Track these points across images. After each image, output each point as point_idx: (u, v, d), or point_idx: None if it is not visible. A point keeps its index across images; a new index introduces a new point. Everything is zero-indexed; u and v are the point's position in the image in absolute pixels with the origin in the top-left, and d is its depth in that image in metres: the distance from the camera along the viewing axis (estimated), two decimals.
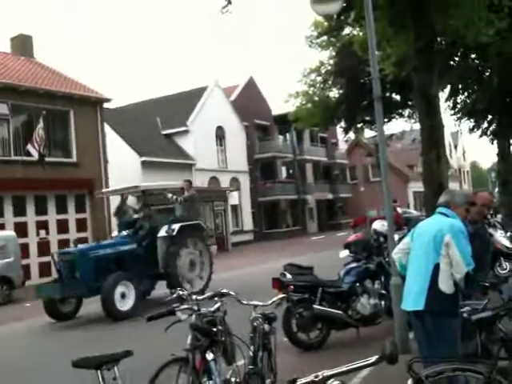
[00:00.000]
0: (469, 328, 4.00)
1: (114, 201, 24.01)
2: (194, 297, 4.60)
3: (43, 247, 21.08)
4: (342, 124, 29.21)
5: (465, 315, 3.72)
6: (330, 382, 2.33)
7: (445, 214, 4.29)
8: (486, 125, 20.77)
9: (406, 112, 26.38)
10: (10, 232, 17.74)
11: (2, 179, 19.40)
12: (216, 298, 4.65)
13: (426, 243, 4.15)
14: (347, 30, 22.31)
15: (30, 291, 17.09)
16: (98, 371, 3.31)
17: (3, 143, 20.30)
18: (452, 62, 15.47)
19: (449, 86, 17.30)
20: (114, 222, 23.85)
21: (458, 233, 4.05)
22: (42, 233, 21.20)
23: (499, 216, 19.90)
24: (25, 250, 19.11)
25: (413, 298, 4.13)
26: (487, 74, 16.22)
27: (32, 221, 20.91)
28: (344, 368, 2.41)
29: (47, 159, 20.85)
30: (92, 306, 11.95)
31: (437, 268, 4.03)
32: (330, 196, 48.31)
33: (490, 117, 20.00)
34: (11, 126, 20.54)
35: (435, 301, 3.99)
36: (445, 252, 4.02)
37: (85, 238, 22.75)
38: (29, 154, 19.71)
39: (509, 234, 12.01)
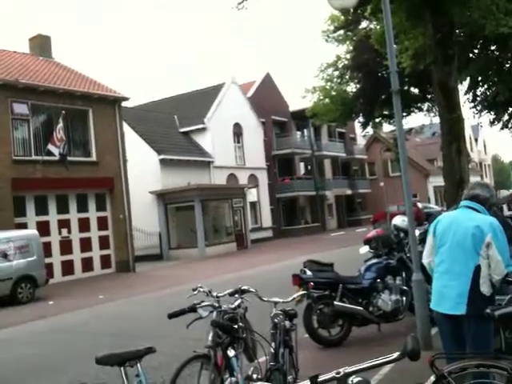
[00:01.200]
0: (492, 324, 3.94)
1: (134, 198, 24.30)
2: (214, 294, 4.62)
3: (65, 246, 21.36)
4: (360, 119, 29.03)
5: (488, 311, 3.65)
6: (351, 378, 2.32)
7: (475, 209, 4.07)
8: (506, 117, 20.46)
9: (425, 105, 26.11)
10: (32, 231, 17.97)
11: (24, 179, 19.67)
12: (236, 295, 4.67)
13: (462, 241, 3.94)
14: (364, 24, 22.17)
15: (53, 290, 17.39)
16: (122, 368, 3.34)
17: (24, 143, 20.56)
18: (471, 54, 15.28)
19: (468, 79, 17.08)
20: (135, 219, 24.25)
21: (497, 232, 3.87)
22: (64, 231, 21.46)
23: None
24: (47, 248, 19.34)
25: (452, 301, 3.93)
26: (507, 65, 15.96)
27: (54, 220, 21.18)
28: (365, 364, 2.39)
29: (68, 158, 21.07)
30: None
31: (478, 270, 3.86)
32: (349, 192, 48.06)
33: (510, 109, 19.70)
34: (31, 125, 20.79)
35: (477, 304, 3.83)
36: (484, 253, 3.85)
37: (106, 236, 23.02)
38: (49, 153, 19.96)
39: None
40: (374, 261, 7.75)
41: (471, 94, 18.34)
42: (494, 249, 3.81)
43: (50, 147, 19.81)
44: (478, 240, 3.85)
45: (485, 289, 3.84)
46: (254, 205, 35.84)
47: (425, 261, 4.38)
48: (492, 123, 20.61)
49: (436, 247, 4.18)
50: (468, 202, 4.13)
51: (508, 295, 4.26)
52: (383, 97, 23.44)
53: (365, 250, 8.89)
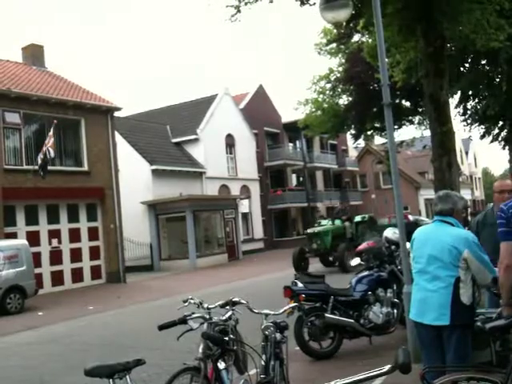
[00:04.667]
0: (483, 337, 3.95)
1: (125, 209, 24.21)
2: (205, 305, 4.59)
3: (55, 256, 21.20)
4: (352, 131, 29.18)
5: (479, 324, 3.67)
6: None
7: (449, 222, 4.19)
8: (497, 131, 20.61)
9: (417, 119, 26.33)
10: (22, 241, 17.82)
11: (15, 188, 19.55)
12: (227, 307, 4.64)
13: (440, 255, 4.06)
14: (356, 37, 22.36)
15: (42, 300, 17.23)
16: (110, 380, 3.31)
17: (15, 152, 20.46)
18: (462, 68, 15.43)
19: (459, 92, 17.23)
20: (126, 230, 24.15)
21: (473, 246, 4.02)
22: (54, 242, 21.30)
23: None
24: (37, 258, 19.18)
25: (435, 312, 4.03)
26: (498, 79, 16.13)
27: (44, 230, 21.02)
28: (356, 377, 2.39)
29: (59, 168, 21.01)
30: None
31: (457, 281, 3.98)
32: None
33: (501, 123, 19.85)
34: (23, 135, 20.70)
35: (459, 314, 3.94)
36: (463, 265, 3.98)
37: (96, 247, 22.88)
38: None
39: None
40: (366, 273, 7.74)
41: (462, 107, 18.48)
42: (476, 262, 3.97)
43: (39, 157, 19.69)
44: (454, 256, 4.00)
45: (465, 299, 3.96)
46: (245, 216, 35.80)
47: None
48: (482, 136, 20.74)
49: (413, 261, 4.37)
50: (438, 216, 4.29)
51: (498, 309, 4.26)
52: (375, 109, 23.61)
53: (356, 262, 8.89)
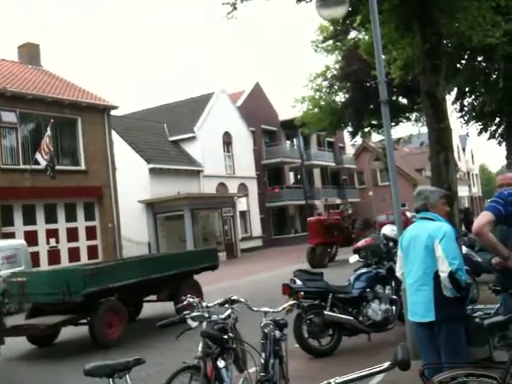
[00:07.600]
0: (481, 333, 3.97)
1: (123, 208, 24.18)
2: (204, 304, 4.59)
3: (53, 256, 21.17)
4: (349, 128, 29.15)
5: (477, 320, 3.68)
6: None
7: (429, 218, 4.26)
8: (494, 127, 20.61)
9: (414, 115, 26.32)
10: (20, 240, 17.79)
11: (12, 188, 19.52)
12: (226, 305, 4.64)
13: (420, 251, 4.14)
14: (353, 34, 22.29)
15: None
16: (110, 379, 3.31)
17: (12, 152, 20.43)
18: (459, 65, 15.42)
19: (456, 89, 17.22)
20: (124, 229, 24.13)
21: (445, 235, 4.04)
22: (52, 241, 21.28)
23: None
24: (35, 258, 19.16)
25: (422, 309, 4.10)
26: (494, 76, 16.11)
27: (42, 229, 21.00)
28: (356, 374, 2.40)
29: (56, 167, 20.95)
30: None
31: (437, 275, 4.00)
32: (339, 201, 48.17)
33: (498, 119, 19.85)
34: (19, 134, 20.67)
35: (444, 308, 3.97)
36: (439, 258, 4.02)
37: (94, 246, 22.85)
38: (37, 162, 19.83)
39: None
40: (364, 270, 7.76)
41: (459, 104, 18.44)
42: (439, 248, 3.98)
43: (37, 156, 19.69)
44: (431, 247, 4.05)
45: (448, 292, 3.96)
46: (243, 214, 35.80)
47: (398, 273, 4.70)
48: (480, 133, 20.72)
49: (403, 261, 4.47)
50: (418, 214, 4.38)
51: (497, 305, 4.28)
52: (372, 106, 23.55)
53: (354, 259, 8.89)
